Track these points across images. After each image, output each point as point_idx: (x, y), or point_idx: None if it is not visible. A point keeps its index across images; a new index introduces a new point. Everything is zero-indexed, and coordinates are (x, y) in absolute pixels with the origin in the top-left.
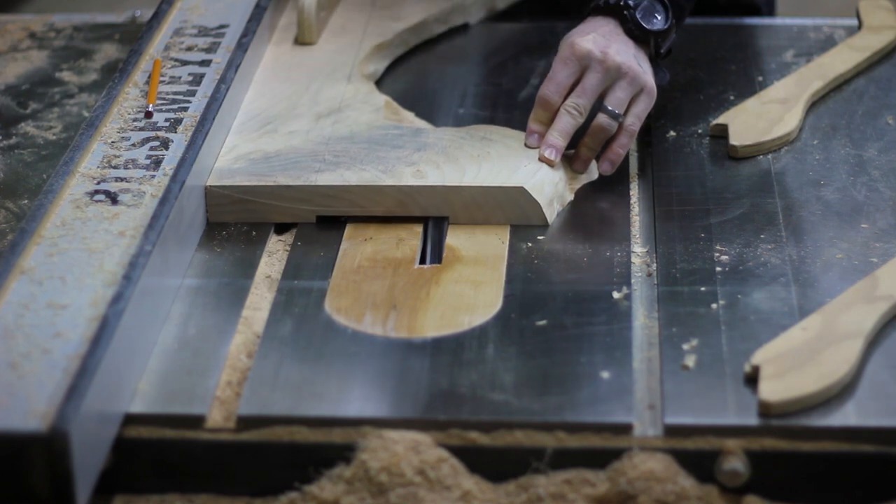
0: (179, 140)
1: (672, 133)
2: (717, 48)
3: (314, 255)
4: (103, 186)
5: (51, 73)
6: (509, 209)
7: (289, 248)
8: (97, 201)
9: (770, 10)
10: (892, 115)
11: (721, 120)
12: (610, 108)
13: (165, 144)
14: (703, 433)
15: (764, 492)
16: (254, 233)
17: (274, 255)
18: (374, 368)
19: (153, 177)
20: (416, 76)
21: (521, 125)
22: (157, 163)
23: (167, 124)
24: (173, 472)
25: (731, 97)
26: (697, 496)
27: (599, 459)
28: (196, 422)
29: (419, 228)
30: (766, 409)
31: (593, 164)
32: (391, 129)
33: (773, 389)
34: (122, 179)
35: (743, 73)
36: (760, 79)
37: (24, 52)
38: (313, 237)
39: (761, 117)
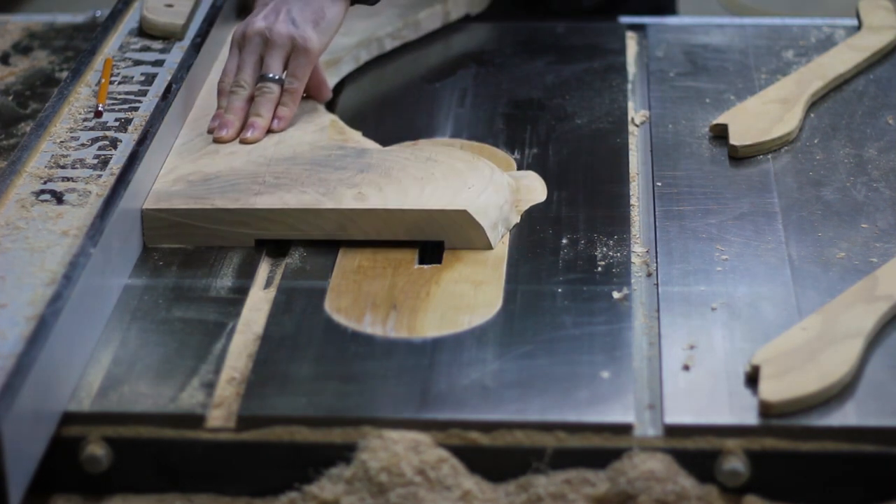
0: (128, 140)
1: (672, 133)
2: (718, 48)
3: (314, 254)
4: (49, 186)
5: (51, 73)
6: (452, 232)
7: (289, 249)
8: (42, 201)
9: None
10: (892, 115)
11: (721, 120)
12: (265, 73)
13: (114, 144)
14: (703, 433)
15: (764, 492)
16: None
17: (274, 256)
18: (374, 368)
19: (100, 176)
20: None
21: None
22: (104, 162)
23: (117, 124)
24: (173, 472)
25: (731, 97)
26: (697, 496)
27: (599, 459)
28: (196, 422)
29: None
30: (766, 409)
31: (542, 185)
32: (335, 149)
33: (773, 389)
34: (68, 179)
35: (743, 73)
36: (760, 79)
37: (24, 52)
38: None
39: (761, 117)
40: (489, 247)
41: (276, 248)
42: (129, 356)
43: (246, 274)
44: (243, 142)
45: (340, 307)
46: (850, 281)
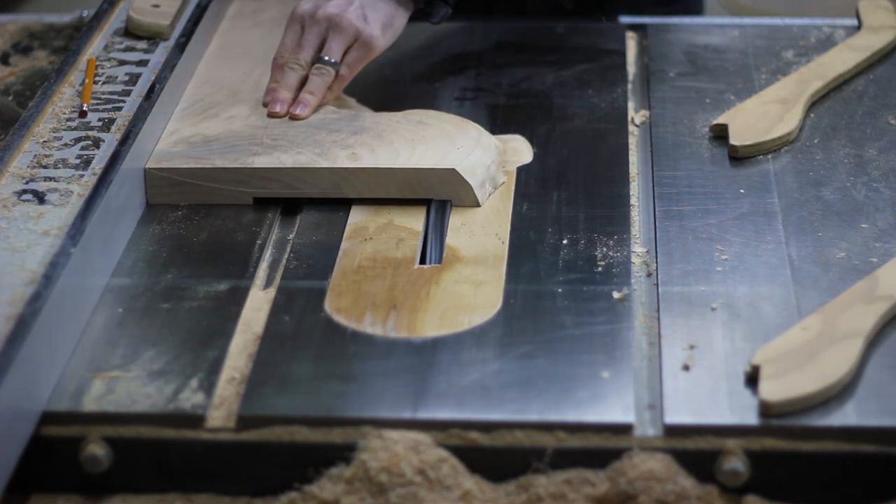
0: (111, 140)
1: (672, 133)
2: (718, 48)
3: (314, 254)
4: (31, 186)
5: (50, 73)
6: (441, 190)
7: (290, 249)
8: (24, 201)
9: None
10: (893, 115)
11: (721, 120)
12: (324, 56)
13: (97, 144)
14: (703, 433)
15: (764, 492)
16: (254, 228)
17: (275, 257)
18: (374, 368)
19: (82, 176)
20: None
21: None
22: (86, 162)
23: (100, 124)
24: (173, 472)
25: (731, 97)
26: (697, 496)
27: (599, 459)
28: (196, 422)
29: (419, 228)
30: (766, 409)
31: (528, 147)
32: (330, 113)
33: (773, 389)
34: (51, 179)
35: (743, 73)
36: (760, 79)
37: (24, 52)
38: (314, 237)
39: (761, 117)
40: (477, 204)
41: (277, 248)
42: (128, 356)
43: (246, 274)
44: (293, 117)
45: (340, 307)
46: (850, 281)
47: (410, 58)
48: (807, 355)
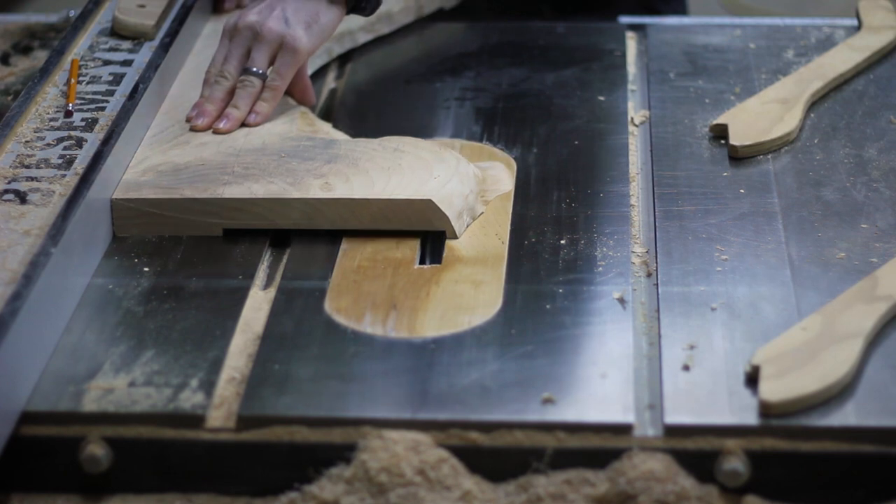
0: (94, 139)
1: (672, 133)
2: (718, 48)
3: (314, 254)
4: (13, 186)
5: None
6: (417, 221)
7: (289, 249)
8: (6, 200)
9: None
10: (893, 114)
11: (721, 120)
12: (250, 67)
13: (80, 144)
14: (703, 433)
15: (764, 492)
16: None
17: (274, 257)
18: (374, 368)
19: (64, 176)
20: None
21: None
22: (69, 162)
23: (83, 124)
24: (173, 472)
25: (731, 97)
26: (697, 496)
27: (599, 459)
28: (196, 422)
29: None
30: (766, 409)
31: (508, 176)
32: (304, 140)
33: (773, 389)
34: (33, 179)
35: (743, 73)
36: (760, 79)
37: (24, 52)
38: (314, 237)
39: (761, 117)
40: (454, 236)
41: (278, 246)
42: (128, 356)
43: (246, 274)
44: (215, 132)
45: (340, 307)
46: (850, 281)
47: (410, 58)
48: (807, 355)
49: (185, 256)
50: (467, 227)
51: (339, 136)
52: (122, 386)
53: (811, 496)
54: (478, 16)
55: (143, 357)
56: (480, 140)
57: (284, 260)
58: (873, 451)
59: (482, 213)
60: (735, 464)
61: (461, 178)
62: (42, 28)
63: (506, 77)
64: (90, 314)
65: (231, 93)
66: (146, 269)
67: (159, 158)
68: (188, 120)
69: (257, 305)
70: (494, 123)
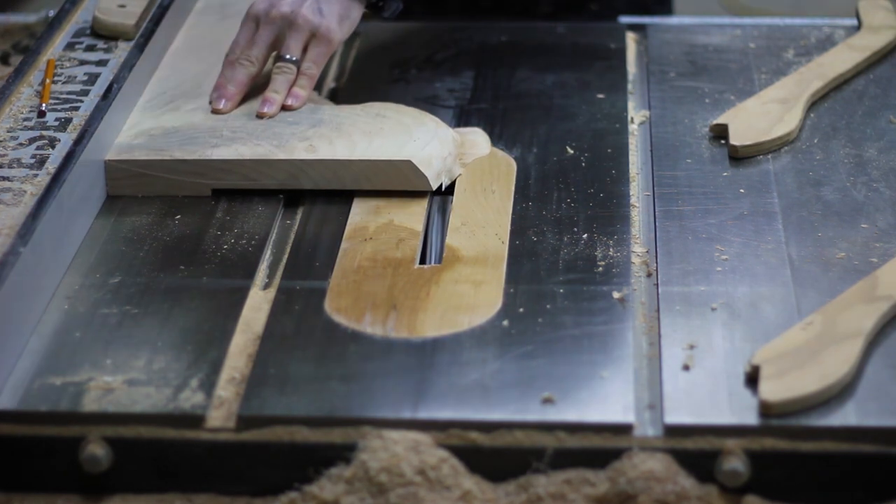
0: (66, 139)
1: (672, 133)
2: (718, 48)
3: (314, 254)
4: None
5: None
6: (398, 182)
7: (289, 249)
8: None
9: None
10: (893, 114)
11: (721, 120)
12: (284, 55)
13: (52, 144)
14: (703, 433)
15: (764, 492)
16: (256, 236)
17: (274, 257)
18: (374, 368)
19: (35, 176)
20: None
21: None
22: (41, 162)
23: (56, 124)
24: (173, 472)
25: (731, 97)
26: (697, 496)
27: (599, 459)
28: (196, 422)
29: (419, 228)
30: (766, 409)
31: (485, 140)
32: None
33: (773, 389)
34: (4, 178)
35: (743, 73)
36: (760, 79)
37: (24, 51)
38: (314, 236)
39: (761, 117)
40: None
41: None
42: (128, 356)
43: (246, 274)
44: (259, 115)
45: (340, 307)
46: (850, 281)
47: (410, 58)
48: (807, 355)
49: (184, 253)
50: (444, 188)
51: (324, 102)
52: (122, 385)
53: (811, 496)
54: (478, 15)
55: (143, 356)
56: None
57: (284, 260)
58: (873, 451)
59: (460, 174)
60: (735, 464)
61: (440, 140)
62: (40, 27)
63: (506, 77)
64: (88, 314)
65: (253, 78)
66: (148, 266)
67: (150, 123)
68: (210, 102)
69: (257, 305)
70: (494, 123)
